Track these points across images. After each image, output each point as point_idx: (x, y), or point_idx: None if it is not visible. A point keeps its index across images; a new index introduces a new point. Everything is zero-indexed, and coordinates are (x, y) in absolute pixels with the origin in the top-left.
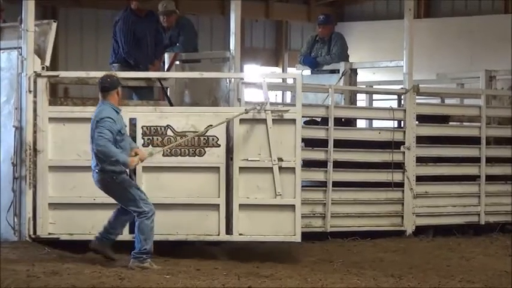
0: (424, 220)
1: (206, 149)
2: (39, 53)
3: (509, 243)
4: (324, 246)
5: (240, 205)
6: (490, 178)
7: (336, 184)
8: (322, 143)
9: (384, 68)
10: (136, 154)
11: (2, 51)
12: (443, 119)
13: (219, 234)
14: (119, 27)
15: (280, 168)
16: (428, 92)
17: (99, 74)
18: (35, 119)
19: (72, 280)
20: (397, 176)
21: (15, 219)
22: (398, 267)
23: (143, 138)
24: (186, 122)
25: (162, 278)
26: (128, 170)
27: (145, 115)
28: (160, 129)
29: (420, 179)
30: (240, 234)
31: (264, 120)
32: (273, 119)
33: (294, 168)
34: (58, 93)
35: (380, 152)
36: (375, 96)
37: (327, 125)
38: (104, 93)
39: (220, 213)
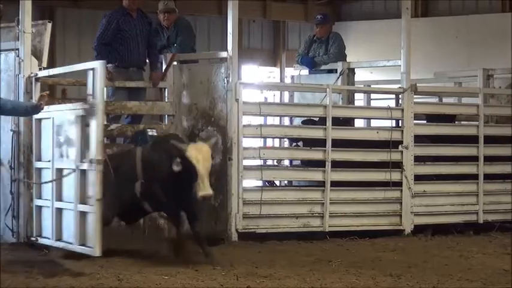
0: (422, 219)
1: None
2: (36, 53)
3: (508, 241)
4: (322, 246)
5: (81, 212)
6: (489, 177)
7: (334, 184)
8: (320, 143)
9: (382, 68)
10: None
11: None
12: (449, 118)
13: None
14: (101, 23)
15: (84, 171)
16: (426, 91)
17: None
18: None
19: (70, 281)
20: (395, 175)
21: (14, 221)
22: (396, 267)
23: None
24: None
25: (160, 278)
26: None
27: (57, 114)
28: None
29: (419, 178)
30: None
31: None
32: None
33: (86, 170)
34: (56, 95)
35: (378, 152)
36: (372, 96)
37: (325, 125)
38: None
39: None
